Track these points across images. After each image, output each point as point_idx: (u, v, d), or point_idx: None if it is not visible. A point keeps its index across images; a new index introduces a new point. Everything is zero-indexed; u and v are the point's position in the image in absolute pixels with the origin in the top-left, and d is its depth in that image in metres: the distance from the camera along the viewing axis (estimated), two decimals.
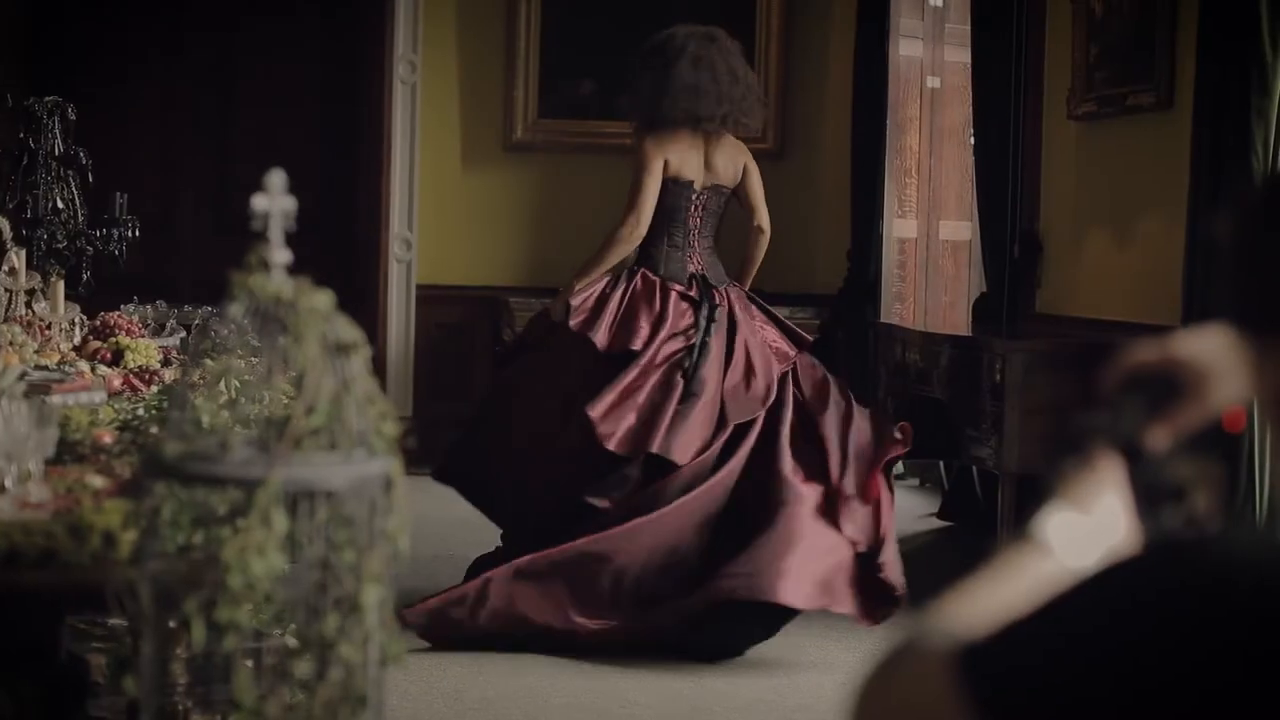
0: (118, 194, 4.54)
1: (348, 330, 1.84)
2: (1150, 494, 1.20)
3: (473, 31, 7.53)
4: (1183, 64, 5.10)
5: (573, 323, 5.03)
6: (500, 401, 5.27)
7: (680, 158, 5.05)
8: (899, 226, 7.23)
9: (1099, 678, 0.91)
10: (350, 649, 1.82)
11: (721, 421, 4.80)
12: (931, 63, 7.22)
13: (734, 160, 5.17)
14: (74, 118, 4.54)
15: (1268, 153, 4.39)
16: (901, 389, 5.95)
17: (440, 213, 7.55)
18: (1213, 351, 1.19)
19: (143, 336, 4.13)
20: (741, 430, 4.80)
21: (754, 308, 5.07)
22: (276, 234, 1.85)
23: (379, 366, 7.51)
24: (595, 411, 4.78)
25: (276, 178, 1.87)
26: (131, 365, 3.89)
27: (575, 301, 5.05)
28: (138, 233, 4.63)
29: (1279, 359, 1.00)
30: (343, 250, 7.65)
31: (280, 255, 1.85)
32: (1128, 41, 5.47)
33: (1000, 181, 6.15)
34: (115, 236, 4.51)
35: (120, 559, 1.99)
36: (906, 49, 7.14)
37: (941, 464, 6.79)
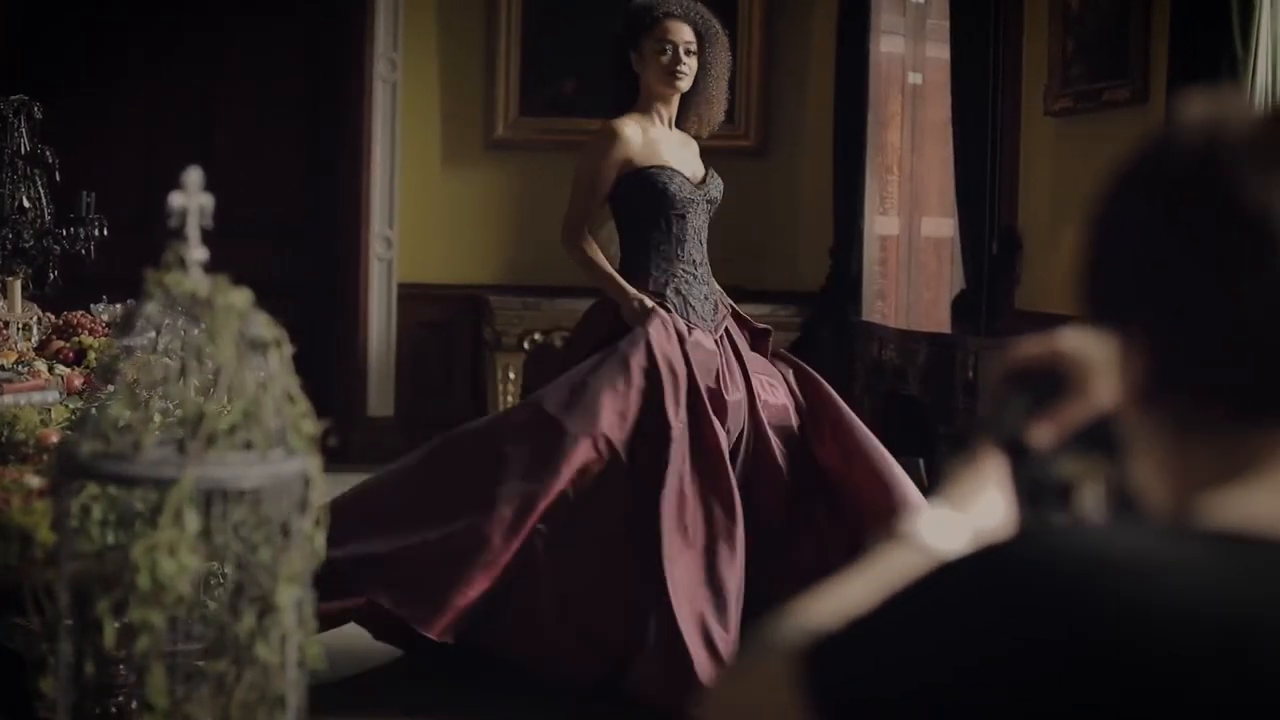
0: (84, 193, 4.52)
1: (266, 328, 1.82)
2: (1035, 492, 1.18)
3: (453, 29, 7.51)
4: (1157, 59, 5.08)
5: None
6: None
7: None
8: (880, 223, 7.21)
9: (935, 677, 0.89)
10: (267, 650, 1.80)
11: None
12: (913, 59, 7.20)
13: None
14: (40, 116, 4.52)
15: None
16: (879, 387, 5.94)
17: (421, 211, 7.53)
18: (1099, 346, 1.17)
19: (106, 335, 4.11)
20: None
21: None
22: (194, 231, 1.83)
23: (360, 365, 7.51)
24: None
25: (193, 175, 1.85)
26: (94, 364, 3.88)
27: None
28: (106, 232, 4.61)
29: (1134, 355, 0.99)
30: (324, 249, 7.63)
31: (197, 252, 1.83)
32: (1103, 36, 5.45)
33: (979, 178, 6.13)
34: (82, 235, 4.49)
35: (39, 559, 1.98)
36: (888, 45, 7.12)
37: (921, 462, 6.77)
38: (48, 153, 4.54)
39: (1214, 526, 0.92)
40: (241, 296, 1.82)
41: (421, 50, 7.49)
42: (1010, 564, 0.91)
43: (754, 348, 4.44)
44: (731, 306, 4.52)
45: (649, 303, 4.30)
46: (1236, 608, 0.86)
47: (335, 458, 7.15)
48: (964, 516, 1.10)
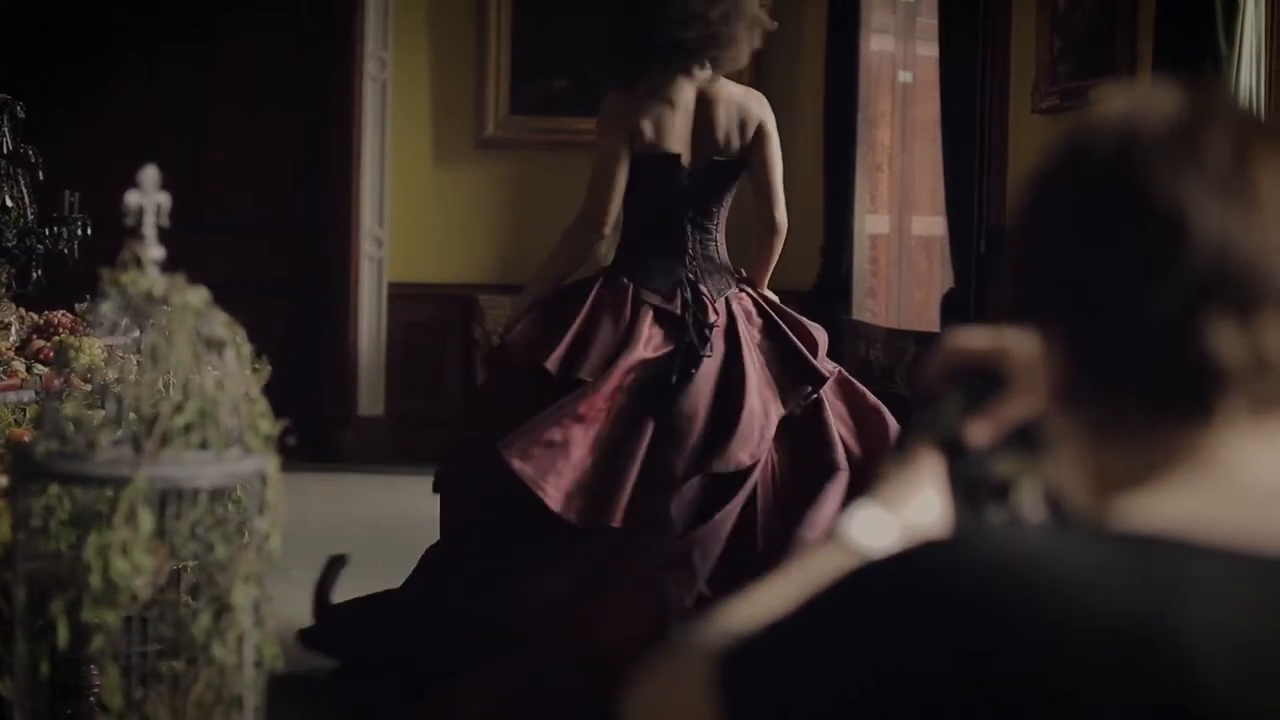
0: (67, 193, 4.51)
1: (222, 327, 1.81)
2: (972, 491, 1.17)
3: (444, 28, 7.51)
4: (1143, 55, 5.08)
5: (510, 338, 3.96)
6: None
7: (655, 122, 3.92)
8: (871, 222, 7.20)
9: (843, 685, 0.88)
10: (223, 650, 1.79)
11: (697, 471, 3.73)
12: (903, 57, 7.19)
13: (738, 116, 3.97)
14: (23, 115, 4.52)
15: None
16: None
17: (412, 210, 7.53)
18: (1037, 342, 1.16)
19: (87, 334, 4.10)
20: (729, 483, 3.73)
21: (765, 322, 4.01)
22: (150, 230, 1.83)
23: (351, 365, 7.50)
24: (513, 455, 3.65)
25: (150, 173, 1.85)
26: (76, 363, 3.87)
27: (517, 315, 4.03)
28: (91, 231, 4.61)
29: (1053, 354, 0.98)
30: (314, 248, 7.62)
31: (153, 251, 1.82)
32: (1090, 33, 5.45)
33: (967, 176, 6.12)
34: (65, 235, 4.49)
35: None
36: (878, 44, 7.11)
37: None
38: (30, 152, 4.53)
39: (1127, 529, 0.91)
40: (198, 295, 1.81)
41: (412, 49, 7.48)
42: (916, 572, 0.90)
43: None
44: None
45: None
46: (1143, 611, 0.85)
47: (326, 457, 7.23)
48: (894, 516, 1.09)
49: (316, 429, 7.43)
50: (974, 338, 1.17)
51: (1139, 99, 0.97)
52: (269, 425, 1.84)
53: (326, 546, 5.61)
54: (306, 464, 7.18)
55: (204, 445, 1.78)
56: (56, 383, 3.64)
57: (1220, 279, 0.91)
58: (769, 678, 0.92)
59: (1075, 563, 0.87)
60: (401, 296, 7.51)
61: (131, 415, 1.94)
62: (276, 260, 7.61)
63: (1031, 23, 5.83)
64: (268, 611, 1.84)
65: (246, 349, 1.87)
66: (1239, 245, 0.91)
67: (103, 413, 1.90)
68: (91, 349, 4.10)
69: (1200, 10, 4.44)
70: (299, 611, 4.85)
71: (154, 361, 1.78)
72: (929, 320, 6.79)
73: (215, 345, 1.80)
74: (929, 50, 6.93)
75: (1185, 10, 4.53)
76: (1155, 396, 0.94)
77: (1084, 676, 0.84)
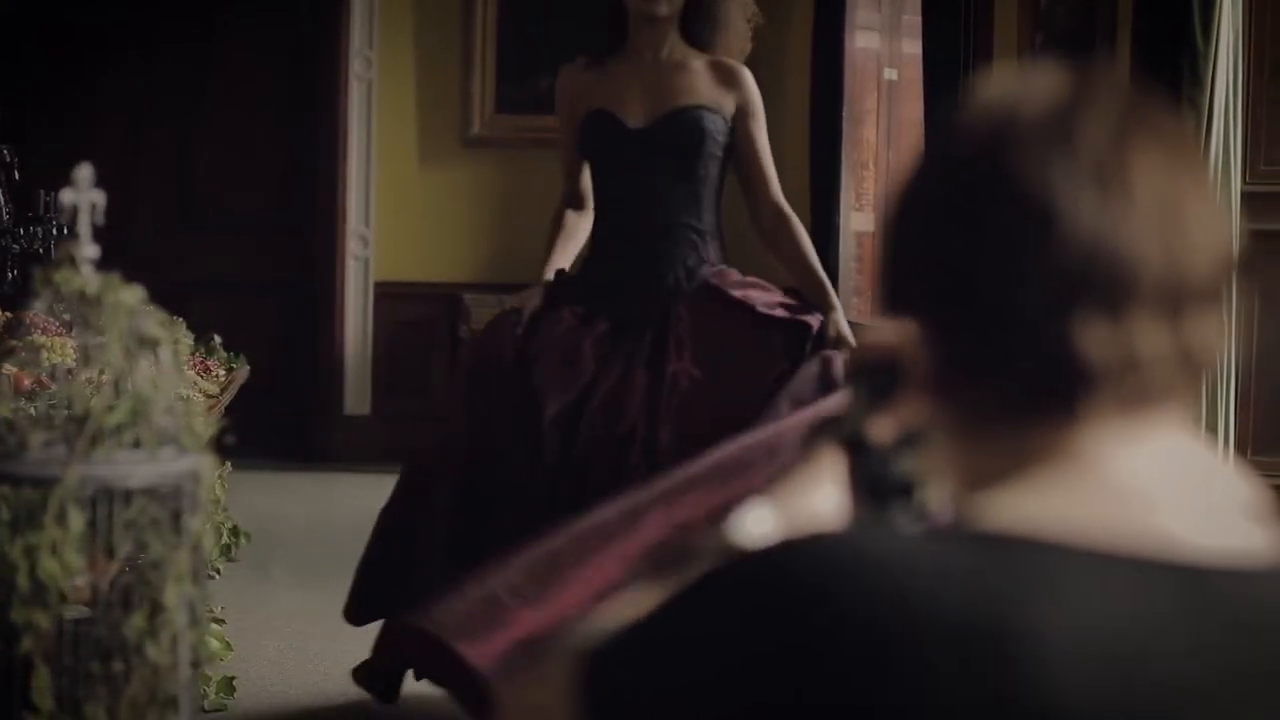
0: (43, 192, 4.51)
1: (156, 325, 1.80)
2: (875, 488, 1.16)
3: (429, 26, 7.50)
4: (1123, 51, 5.07)
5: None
6: None
7: None
8: (856, 220, 7.19)
9: (690, 682, 0.87)
10: (157, 650, 1.79)
11: None
12: (889, 55, 7.17)
13: None
14: None
15: (1198, 141, 4.36)
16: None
17: (398, 209, 7.52)
18: None
19: (60, 334, 4.09)
20: None
21: None
22: (85, 228, 1.82)
23: (337, 364, 7.49)
24: None
25: (84, 171, 1.83)
26: (46, 364, 3.86)
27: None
28: (66, 231, 4.60)
29: (925, 345, 0.97)
30: (300, 247, 7.62)
31: (88, 250, 1.81)
32: (1071, 29, 5.44)
33: None
34: (40, 235, 4.49)
35: None
36: (863, 41, 7.10)
37: None
38: (5, 151, 4.54)
39: (988, 527, 0.89)
40: (132, 294, 1.80)
41: (397, 47, 7.47)
42: (765, 572, 0.88)
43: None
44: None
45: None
46: (992, 613, 0.84)
47: (312, 456, 7.22)
48: (777, 513, 1.07)
49: (303, 428, 7.43)
50: (882, 333, 1.16)
51: (1020, 84, 0.95)
52: (204, 425, 1.83)
53: (312, 545, 5.61)
54: (293, 463, 7.18)
55: (137, 445, 1.78)
56: (26, 382, 3.64)
57: (1090, 274, 0.89)
58: (625, 675, 0.91)
59: (927, 563, 0.85)
60: (388, 295, 7.50)
61: (64, 414, 1.93)
62: (263, 259, 7.61)
63: (1014, 18, 5.82)
64: (202, 612, 1.83)
65: (184, 347, 1.86)
66: (1110, 239, 0.89)
67: (37, 411, 1.90)
68: (63, 349, 4.10)
69: (1178, 4, 4.43)
70: (279, 611, 4.84)
71: (86, 360, 1.77)
72: None
73: (150, 344, 1.79)
74: (914, 48, 6.91)
75: (1163, 4, 4.52)
76: (1022, 393, 0.92)
77: (924, 677, 0.82)
